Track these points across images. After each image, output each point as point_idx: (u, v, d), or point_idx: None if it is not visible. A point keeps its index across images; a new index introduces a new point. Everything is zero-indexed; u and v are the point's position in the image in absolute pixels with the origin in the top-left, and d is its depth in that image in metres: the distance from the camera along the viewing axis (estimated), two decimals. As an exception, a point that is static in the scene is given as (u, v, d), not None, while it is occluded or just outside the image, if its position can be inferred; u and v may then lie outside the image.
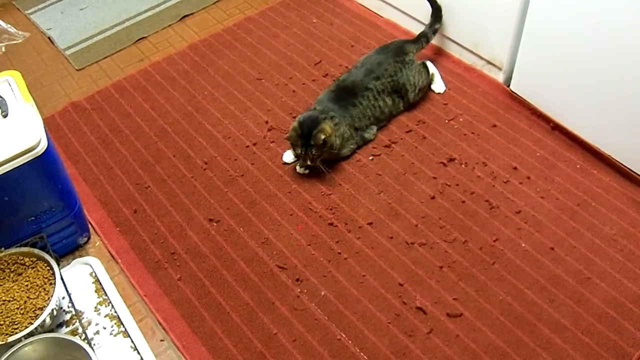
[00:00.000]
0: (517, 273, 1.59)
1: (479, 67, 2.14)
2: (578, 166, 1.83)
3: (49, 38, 2.49)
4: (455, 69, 2.16)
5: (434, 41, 2.25)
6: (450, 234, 1.68)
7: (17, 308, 1.42)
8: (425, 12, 2.21)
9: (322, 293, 1.58)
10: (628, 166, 1.78)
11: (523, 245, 1.64)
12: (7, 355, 1.33)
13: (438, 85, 2.08)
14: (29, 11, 2.63)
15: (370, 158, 1.89)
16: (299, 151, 1.79)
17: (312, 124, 1.77)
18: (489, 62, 2.09)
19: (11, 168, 1.39)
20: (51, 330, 1.47)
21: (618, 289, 1.54)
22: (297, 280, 1.61)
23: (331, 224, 1.72)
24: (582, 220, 1.69)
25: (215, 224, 1.75)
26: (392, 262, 1.63)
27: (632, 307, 1.50)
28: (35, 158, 1.42)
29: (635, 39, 1.55)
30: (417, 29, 2.28)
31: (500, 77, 2.08)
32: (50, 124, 2.05)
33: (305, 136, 1.76)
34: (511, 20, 1.89)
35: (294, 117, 2.01)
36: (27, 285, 1.47)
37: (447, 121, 1.98)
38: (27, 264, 1.50)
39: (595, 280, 1.56)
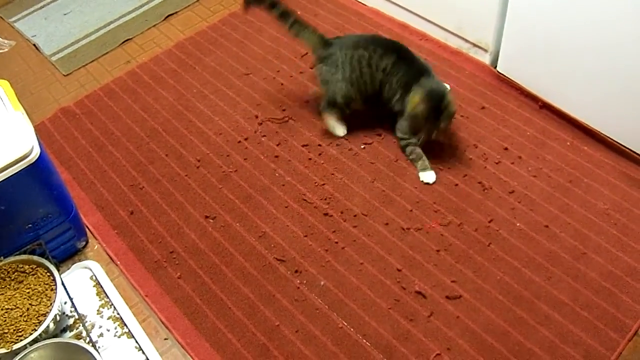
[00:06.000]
0: (513, 252, 1.60)
1: (465, 50, 2.15)
2: (568, 143, 1.84)
3: (34, 45, 2.48)
4: (442, 53, 2.16)
5: (419, 27, 2.26)
6: (445, 217, 1.69)
7: (21, 315, 1.43)
8: (408, -1, 2.23)
9: (322, 283, 1.59)
10: (617, 140, 1.79)
11: (518, 224, 1.66)
12: (13, 362, 1.34)
13: None
14: (13, 19, 2.62)
15: (362, 147, 1.90)
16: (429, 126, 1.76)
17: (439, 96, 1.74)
18: (474, 45, 2.10)
19: (5, 177, 1.39)
20: (55, 336, 1.48)
21: (614, 263, 1.56)
22: (296, 271, 1.62)
23: (326, 214, 1.73)
24: (575, 197, 1.71)
25: (211, 220, 1.75)
26: (389, 248, 1.64)
27: (628, 280, 1.52)
28: (29, 166, 1.42)
29: (620, 14, 1.56)
30: (401, 16, 2.29)
31: (486, 59, 2.09)
32: (41, 131, 2.04)
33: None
34: (495, 2, 1.89)
35: (284, 110, 2.03)
36: (28, 293, 1.47)
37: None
38: (27, 271, 1.51)
39: (590, 255, 1.58)
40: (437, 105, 1.73)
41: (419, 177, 1.79)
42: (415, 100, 1.75)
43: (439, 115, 1.73)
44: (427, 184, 1.78)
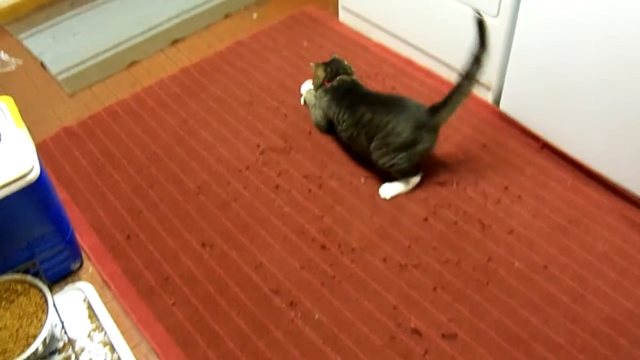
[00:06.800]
0: (511, 292, 1.59)
1: (469, 87, 2.16)
2: (568, 184, 1.84)
3: (41, 63, 2.49)
4: (445, 90, 2.15)
5: (424, 63, 2.27)
6: (443, 254, 1.68)
7: (9, 336, 1.41)
8: (411, 33, 2.24)
9: (316, 316, 1.57)
10: (618, 182, 1.79)
11: (516, 264, 1.65)
12: (-1, 385, 1.32)
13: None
14: (22, 36, 2.64)
15: (363, 181, 1.90)
16: None
17: None
18: (478, 83, 2.11)
19: (4, 195, 1.38)
20: (44, 358, 1.46)
21: (612, 306, 1.55)
22: (291, 304, 1.60)
23: (324, 247, 1.72)
24: (574, 238, 1.70)
25: (208, 248, 1.74)
26: (385, 284, 1.63)
27: (626, 324, 1.51)
28: (28, 185, 1.41)
29: (621, 56, 1.58)
30: (406, 52, 2.32)
31: (489, 98, 2.10)
32: (42, 149, 2.05)
33: None
34: (499, 42, 1.91)
35: (286, 141, 2.04)
36: (19, 313, 1.46)
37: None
38: (19, 291, 1.49)
39: (589, 297, 1.57)
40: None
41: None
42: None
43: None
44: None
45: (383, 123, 1.77)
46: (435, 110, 1.77)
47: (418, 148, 1.77)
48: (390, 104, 1.82)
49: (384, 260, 1.68)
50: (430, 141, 1.78)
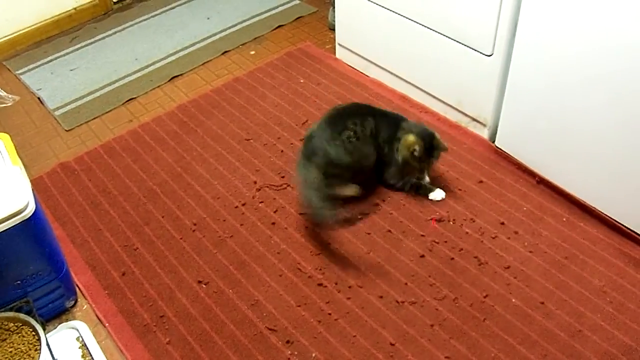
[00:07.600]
0: (508, 329, 1.58)
1: (464, 124, 2.18)
2: (564, 219, 1.84)
3: (38, 98, 2.51)
4: (441, 126, 2.19)
5: (420, 99, 2.30)
6: (440, 291, 1.68)
7: (0, 376, 1.39)
8: (407, 70, 2.27)
9: (313, 355, 1.56)
10: (613, 217, 1.80)
11: (513, 300, 1.64)
12: None
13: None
14: (20, 71, 2.66)
15: (359, 217, 1.90)
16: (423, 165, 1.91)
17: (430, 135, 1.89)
18: (473, 119, 2.13)
19: (-2, 232, 1.38)
20: (36, 399, 1.44)
21: (610, 341, 1.54)
22: (288, 342, 1.59)
23: (321, 284, 1.71)
24: (571, 273, 1.70)
25: (204, 285, 1.73)
26: (382, 321, 1.62)
27: (624, 359, 1.50)
28: (23, 222, 1.41)
29: (615, 94, 1.60)
30: (402, 88, 2.34)
31: (485, 134, 2.12)
32: (38, 185, 2.05)
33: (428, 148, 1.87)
34: (494, 79, 1.94)
35: (283, 177, 2.04)
36: (11, 352, 1.43)
37: (434, 178, 2.00)
38: (11, 329, 1.47)
39: (586, 333, 1.56)
40: (430, 143, 1.86)
41: (430, 199, 1.94)
42: (410, 141, 1.85)
43: (431, 153, 1.88)
44: (440, 200, 1.93)
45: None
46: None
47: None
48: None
49: (381, 297, 1.67)
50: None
